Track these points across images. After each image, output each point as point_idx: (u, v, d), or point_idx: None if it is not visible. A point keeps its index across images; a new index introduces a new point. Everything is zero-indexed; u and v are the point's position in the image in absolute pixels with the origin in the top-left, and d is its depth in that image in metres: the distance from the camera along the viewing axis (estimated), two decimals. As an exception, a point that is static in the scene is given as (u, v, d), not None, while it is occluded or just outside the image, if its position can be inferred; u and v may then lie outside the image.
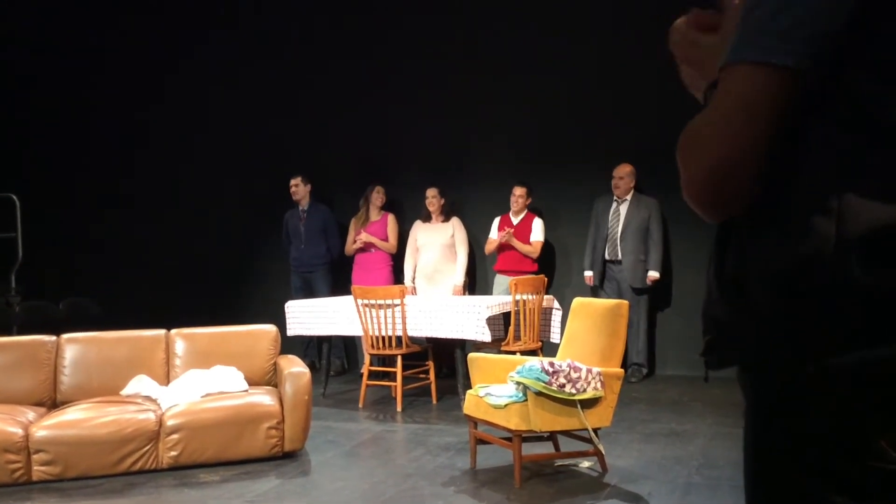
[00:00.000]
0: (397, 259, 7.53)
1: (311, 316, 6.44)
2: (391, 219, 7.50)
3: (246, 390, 4.87)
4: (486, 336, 5.75)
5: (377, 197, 7.42)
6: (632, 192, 6.91)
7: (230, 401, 4.72)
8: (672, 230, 7.04)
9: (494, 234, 7.19)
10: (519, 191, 7.04)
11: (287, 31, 8.14)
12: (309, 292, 7.54)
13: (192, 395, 4.74)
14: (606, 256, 6.94)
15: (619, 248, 6.87)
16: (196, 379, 4.89)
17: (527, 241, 7.02)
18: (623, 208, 6.91)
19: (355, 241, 7.44)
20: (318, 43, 8.06)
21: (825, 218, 0.95)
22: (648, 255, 6.86)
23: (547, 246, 7.31)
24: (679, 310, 7.16)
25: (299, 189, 7.62)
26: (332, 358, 7.16)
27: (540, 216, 7.11)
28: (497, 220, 7.21)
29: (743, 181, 1.01)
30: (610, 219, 6.94)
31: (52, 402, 4.87)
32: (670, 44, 1.22)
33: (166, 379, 5.04)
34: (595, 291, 6.93)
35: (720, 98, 1.01)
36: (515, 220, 7.10)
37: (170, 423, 4.52)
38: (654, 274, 6.85)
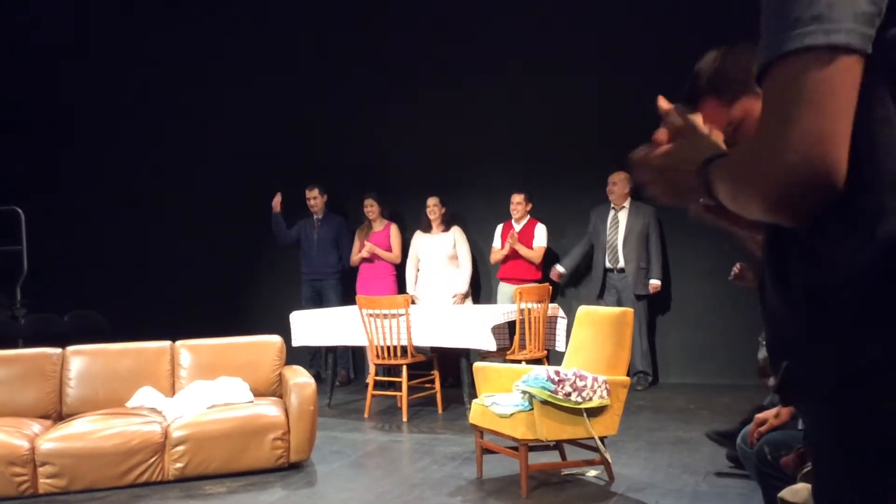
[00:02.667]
0: (401, 269, 7.53)
1: (317, 326, 6.44)
2: (394, 228, 7.50)
3: (251, 401, 4.87)
4: (491, 345, 5.74)
5: (370, 209, 7.43)
6: (629, 199, 6.92)
7: (235, 412, 4.71)
8: (668, 237, 7.04)
9: (497, 244, 7.19)
10: (517, 198, 7.04)
11: (299, 41, 8.17)
12: (319, 301, 7.55)
13: (198, 406, 4.73)
14: (607, 265, 6.93)
15: (620, 255, 6.87)
16: (201, 390, 4.89)
17: (530, 247, 7.02)
18: (622, 216, 6.92)
19: (360, 251, 7.45)
20: (331, 51, 8.08)
21: None
22: (650, 262, 6.86)
23: (551, 254, 7.32)
24: (678, 317, 7.16)
25: (318, 200, 7.65)
26: (337, 368, 7.16)
27: (542, 223, 7.12)
28: (500, 228, 7.22)
29: (837, 171, 0.90)
30: (608, 227, 6.94)
31: (58, 415, 4.87)
32: (638, 173, 1.20)
33: (171, 390, 5.04)
34: (594, 301, 6.92)
35: (784, 92, 0.91)
36: (518, 227, 7.10)
37: (175, 434, 4.51)
38: (655, 282, 6.86)
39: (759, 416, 2.59)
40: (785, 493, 2.00)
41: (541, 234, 7.06)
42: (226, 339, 5.30)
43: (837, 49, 0.89)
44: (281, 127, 8.21)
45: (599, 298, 6.91)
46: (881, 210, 0.89)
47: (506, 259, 7.09)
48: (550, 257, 7.35)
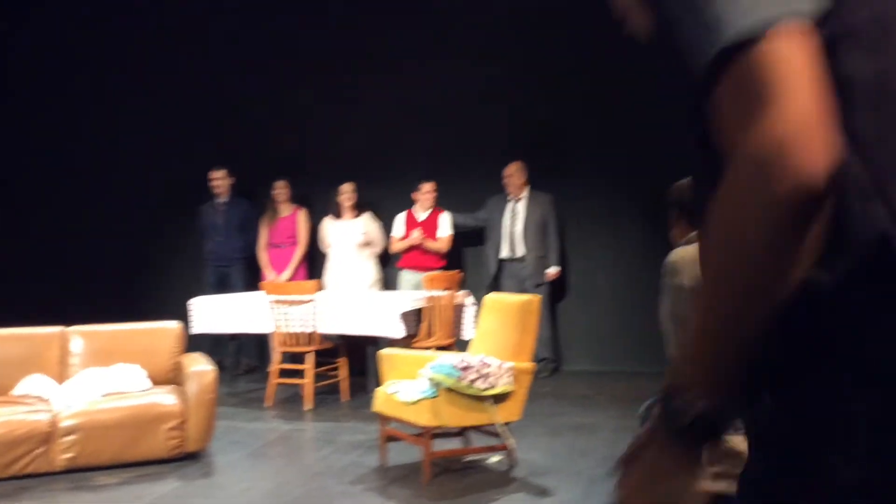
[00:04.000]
0: (310, 255, 7.42)
1: (219, 312, 6.27)
2: (302, 214, 7.37)
3: (147, 389, 4.70)
4: (400, 332, 5.71)
5: (281, 193, 7.28)
6: (526, 189, 6.99)
7: (130, 400, 4.54)
8: (567, 225, 7.17)
9: (398, 233, 7.16)
10: (427, 186, 7.03)
11: (211, 24, 7.89)
12: (224, 287, 7.36)
13: (90, 394, 4.53)
14: (503, 255, 6.98)
15: (519, 245, 6.94)
16: (94, 378, 4.68)
17: (434, 236, 7.02)
18: (520, 206, 6.99)
19: (273, 245, 7.28)
20: (243, 36, 7.83)
21: None
22: (548, 251, 6.96)
23: (456, 241, 7.35)
24: (578, 304, 7.31)
25: (223, 182, 7.42)
26: (240, 356, 6.99)
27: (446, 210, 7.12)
28: (401, 217, 7.17)
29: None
30: (506, 217, 6.99)
31: (-65, 404, 4.57)
32: None
33: (62, 378, 4.80)
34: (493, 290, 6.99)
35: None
36: (422, 217, 7.09)
37: (65, 423, 4.31)
38: (554, 269, 6.97)
39: None
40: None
41: (445, 224, 7.06)
42: (122, 325, 5.09)
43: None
44: (189, 109, 7.91)
45: (495, 288, 6.97)
46: None
47: (408, 248, 7.07)
48: (458, 246, 7.38)
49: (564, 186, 7.09)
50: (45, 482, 4.19)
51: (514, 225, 6.95)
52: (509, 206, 7.00)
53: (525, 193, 6.98)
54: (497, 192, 7.08)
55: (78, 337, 4.92)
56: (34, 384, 4.66)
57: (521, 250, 6.93)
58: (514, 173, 6.91)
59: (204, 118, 7.88)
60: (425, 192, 7.03)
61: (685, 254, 2.84)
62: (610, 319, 7.20)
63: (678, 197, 3.08)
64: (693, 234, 2.92)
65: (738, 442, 1.87)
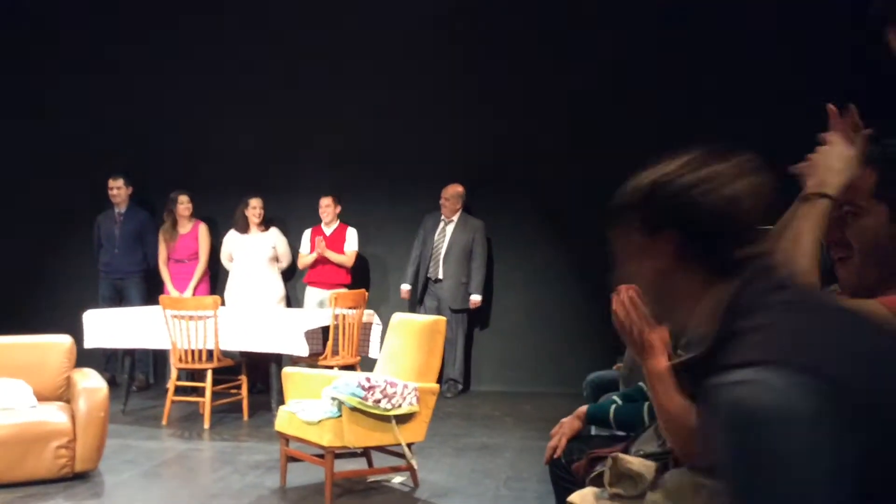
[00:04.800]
0: (211, 270, 7.23)
1: (113, 326, 6.02)
2: (203, 228, 7.18)
3: (34, 406, 4.45)
4: (303, 350, 5.62)
5: (183, 207, 7.08)
6: (459, 212, 7.04)
7: (15, 417, 4.29)
8: (494, 251, 7.25)
9: (305, 249, 7.08)
10: (325, 201, 6.98)
11: (116, 32, 7.61)
12: (119, 301, 7.08)
13: (-31, 411, 4.26)
14: (428, 274, 7.02)
15: (440, 268, 6.97)
16: (-25, 393, 4.40)
17: (341, 251, 6.97)
18: (449, 229, 7.02)
19: (174, 260, 7.07)
20: (152, 43, 7.57)
21: None
22: (470, 277, 7.00)
23: (364, 260, 7.31)
24: (496, 328, 7.37)
25: (121, 192, 7.15)
26: (135, 372, 6.72)
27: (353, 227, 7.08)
28: (308, 233, 7.10)
29: None
30: (436, 237, 7.03)
31: None
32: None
33: (-62, 394, 4.49)
34: (413, 307, 6.98)
35: None
36: (328, 231, 7.04)
37: (-60, 442, 4.04)
38: (475, 298, 6.99)
39: (555, 430, 2.67)
40: (574, 497, 2.08)
41: (352, 239, 7.02)
42: (7, 338, 4.81)
43: None
44: (86, 114, 7.60)
45: (419, 305, 6.97)
46: None
47: (314, 263, 7.00)
48: (364, 265, 7.36)
49: (497, 213, 7.18)
50: (-85, 505, 3.92)
51: (441, 246, 6.98)
52: (440, 227, 7.02)
53: (456, 217, 7.01)
54: (434, 210, 7.08)
55: (-42, 350, 4.63)
56: None
57: (440, 273, 6.95)
58: (451, 197, 6.93)
59: (101, 124, 7.58)
60: (324, 207, 6.97)
61: None
62: (520, 343, 7.28)
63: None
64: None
65: (637, 464, 1.92)
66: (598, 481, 2.05)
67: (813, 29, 6.27)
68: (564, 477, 2.49)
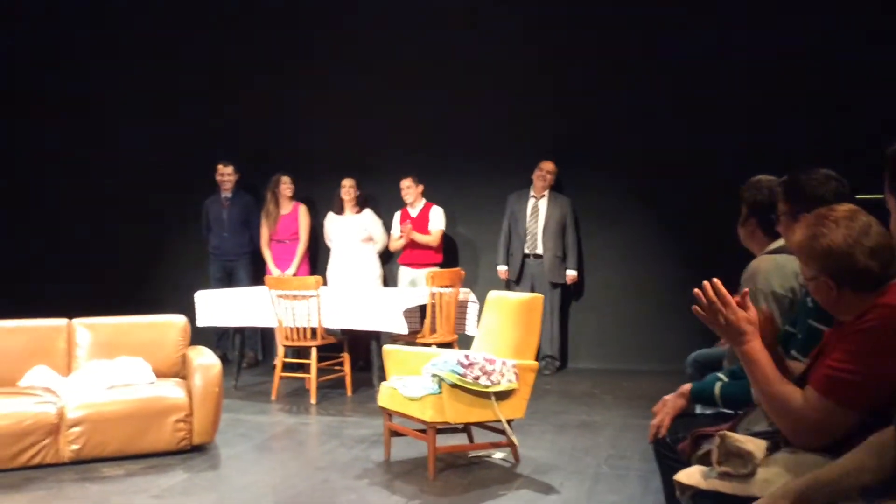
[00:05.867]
0: (312, 249, 7.43)
1: (224, 306, 6.29)
2: (303, 210, 7.38)
3: (153, 382, 4.72)
4: (403, 328, 5.73)
5: (285, 188, 7.29)
6: (549, 189, 7.03)
7: (136, 393, 4.56)
8: (583, 227, 7.19)
9: (396, 232, 7.18)
10: (406, 182, 7.04)
11: (220, 20, 7.88)
12: (229, 282, 7.37)
13: (96, 386, 4.55)
14: (526, 250, 7.03)
15: (539, 243, 6.97)
16: (99, 370, 4.70)
17: (426, 230, 7.04)
18: (542, 204, 7.01)
19: (276, 240, 7.29)
20: (257, 35, 7.83)
21: None
22: (566, 252, 6.98)
23: (458, 239, 7.36)
24: (591, 305, 7.31)
25: (231, 178, 7.44)
26: (245, 349, 7.01)
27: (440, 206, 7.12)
28: (398, 215, 7.19)
29: None
30: (528, 214, 7.02)
31: (-57, 395, 4.59)
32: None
33: (68, 370, 4.82)
34: (509, 286, 7.00)
35: None
36: (414, 212, 7.11)
37: (71, 415, 4.33)
38: (572, 273, 7.01)
39: (657, 407, 2.64)
40: (680, 476, 2.06)
41: (436, 218, 7.07)
42: (127, 318, 5.10)
43: None
44: (196, 101, 7.90)
45: (516, 284, 6.99)
46: None
47: (404, 244, 7.10)
48: (457, 244, 7.41)
49: (583, 190, 7.13)
50: (52, 473, 4.22)
51: (535, 223, 6.99)
52: (531, 204, 7.02)
53: (547, 193, 7.01)
54: (516, 189, 7.09)
55: (84, 329, 4.94)
56: (40, 376, 4.69)
57: (539, 248, 6.96)
58: (552, 171, 6.96)
59: (209, 111, 7.86)
60: (406, 188, 7.04)
61: (767, 263, 2.81)
62: (616, 319, 7.22)
63: (753, 196, 3.00)
64: (777, 243, 2.88)
65: (747, 442, 1.89)
66: (704, 460, 2.03)
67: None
68: (669, 455, 2.47)
